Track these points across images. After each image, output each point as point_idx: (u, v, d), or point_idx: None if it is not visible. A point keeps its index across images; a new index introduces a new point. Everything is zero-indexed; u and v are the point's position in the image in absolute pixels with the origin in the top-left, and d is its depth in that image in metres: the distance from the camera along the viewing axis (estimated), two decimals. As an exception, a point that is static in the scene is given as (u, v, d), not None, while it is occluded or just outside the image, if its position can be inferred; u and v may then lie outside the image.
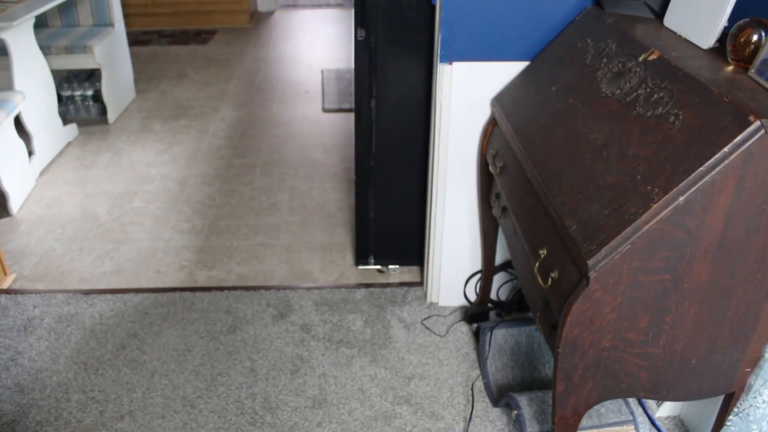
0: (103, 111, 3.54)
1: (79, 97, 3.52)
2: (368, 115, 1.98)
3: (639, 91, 1.20)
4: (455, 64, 1.65)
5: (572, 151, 1.25)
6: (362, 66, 1.92)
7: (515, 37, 1.62)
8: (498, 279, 2.03)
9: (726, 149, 0.96)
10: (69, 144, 3.24)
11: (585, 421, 1.50)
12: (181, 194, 2.80)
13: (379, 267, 2.29)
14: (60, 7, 3.47)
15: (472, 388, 1.79)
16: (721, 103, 1.02)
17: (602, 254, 1.03)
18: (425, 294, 2.13)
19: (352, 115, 2.47)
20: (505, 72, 1.66)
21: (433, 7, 1.75)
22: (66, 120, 3.32)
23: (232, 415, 1.70)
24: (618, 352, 1.15)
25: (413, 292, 2.17)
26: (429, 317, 2.05)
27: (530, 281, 1.36)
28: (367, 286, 2.20)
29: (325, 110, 3.67)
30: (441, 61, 1.65)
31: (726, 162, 0.96)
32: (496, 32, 1.61)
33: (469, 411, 1.72)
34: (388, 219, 2.13)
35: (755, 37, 1.14)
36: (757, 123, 0.94)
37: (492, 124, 1.70)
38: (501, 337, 1.85)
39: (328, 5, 6.03)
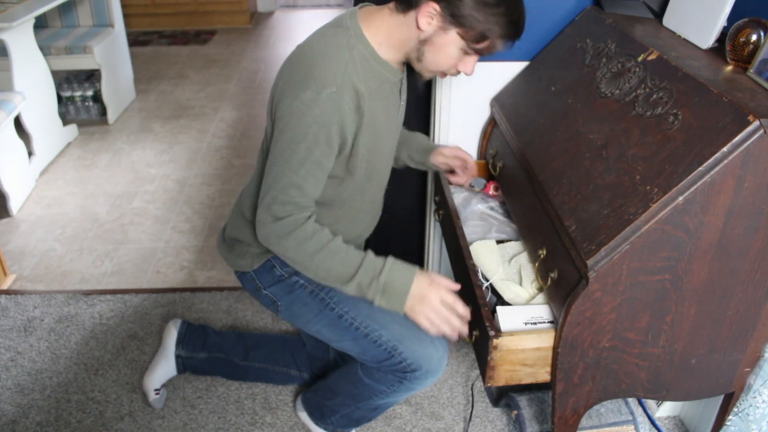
0: (103, 111, 3.55)
1: (79, 97, 3.52)
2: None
3: (638, 91, 1.20)
4: (455, 64, 1.65)
5: (572, 151, 1.25)
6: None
7: (515, 37, 1.62)
8: (498, 279, 2.03)
9: (725, 149, 0.96)
10: (69, 144, 3.25)
11: (585, 421, 1.50)
12: (181, 194, 2.80)
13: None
14: (60, 8, 3.47)
15: (472, 388, 1.79)
16: (720, 103, 1.02)
17: (602, 254, 1.03)
18: (425, 294, 2.13)
19: (351, 116, 2.46)
20: (504, 72, 1.66)
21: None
22: (66, 120, 3.32)
23: (232, 415, 1.70)
24: (618, 352, 1.15)
25: (413, 292, 2.16)
26: (429, 317, 2.05)
27: (530, 281, 1.36)
28: (367, 286, 2.20)
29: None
30: (440, 62, 1.65)
31: (725, 162, 0.96)
32: (496, 32, 1.61)
33: (469, 411, 1.72)
34: (387, 219, 2.12)
35: (754, 37, 1.14)
36: (756, 123, 0.94)
37: (491, 124, 1.70)
38: (501, 337, 1.85)
39: (328, 5, 6.03)
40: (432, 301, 1.17)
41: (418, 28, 1.15)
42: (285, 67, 1.21)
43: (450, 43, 1.16)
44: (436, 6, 1.11)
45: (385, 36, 1.19)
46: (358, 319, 1.30)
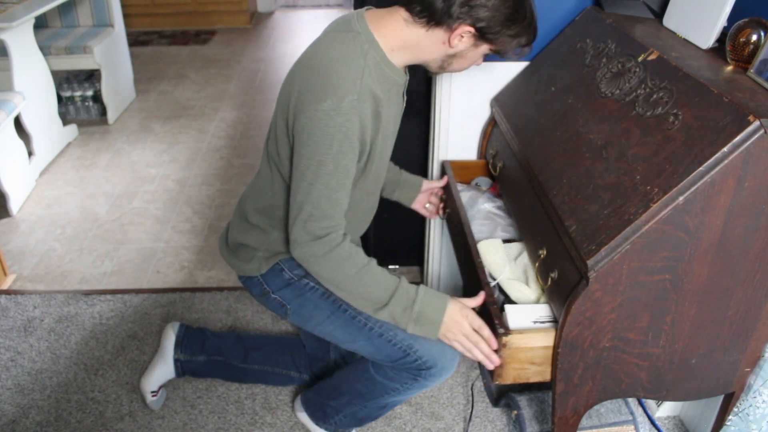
0: (103, 111, 3.55)
1: (79, 97, 3.52)
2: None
3: (638, 91, 1.20)
4: (455, 64, 1.65)
5: (572, 151, 1.25)
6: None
7: (515, 37, 1.62)
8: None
9: (725, 149, 0.96)
10: (69, 144, 3.25)
11: (585, 421, 1.50)
12: (181, 194, 2.80)
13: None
14: (60, 8, 3.47)
15: (471, 388, 1.79)
16: (720, 103, 1.02)
17: (602, 254, 1.03)
18: (425, 294, 2.13)
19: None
20: (504, 72, 1.66)
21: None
22: (66, 120, 3.32)
23: (232, 415, 1.70)
24: (618, 352, 1.15)
25: (413, 292, 2.16)
26: (429, 317, 2.05)
27: (530, 281, 1.36)
28: (367, 286, 2.20)
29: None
30: (441, 62, 1.65)
31: (725, 162, 0.97)
32: (496, 32, 1.61)
33: (469, 411, 1.72)
34: (387, 219, 2.12)
35: (754, 37, 1.14)
36: (757, 123, 0.94)
37: (492, 124, 1.70)
38: (501, 337, 1.85)
39: (328, 5, 6.03)
40: (464, 327, 1.19)
41: (449, 45, 1.16)
42: (296, 75, 1.18)
43: (479, 54, 1.20)
44: (471, 28, 1.12)
45: (401, 44, 1.18)
46: (372, 319, 1.29)
